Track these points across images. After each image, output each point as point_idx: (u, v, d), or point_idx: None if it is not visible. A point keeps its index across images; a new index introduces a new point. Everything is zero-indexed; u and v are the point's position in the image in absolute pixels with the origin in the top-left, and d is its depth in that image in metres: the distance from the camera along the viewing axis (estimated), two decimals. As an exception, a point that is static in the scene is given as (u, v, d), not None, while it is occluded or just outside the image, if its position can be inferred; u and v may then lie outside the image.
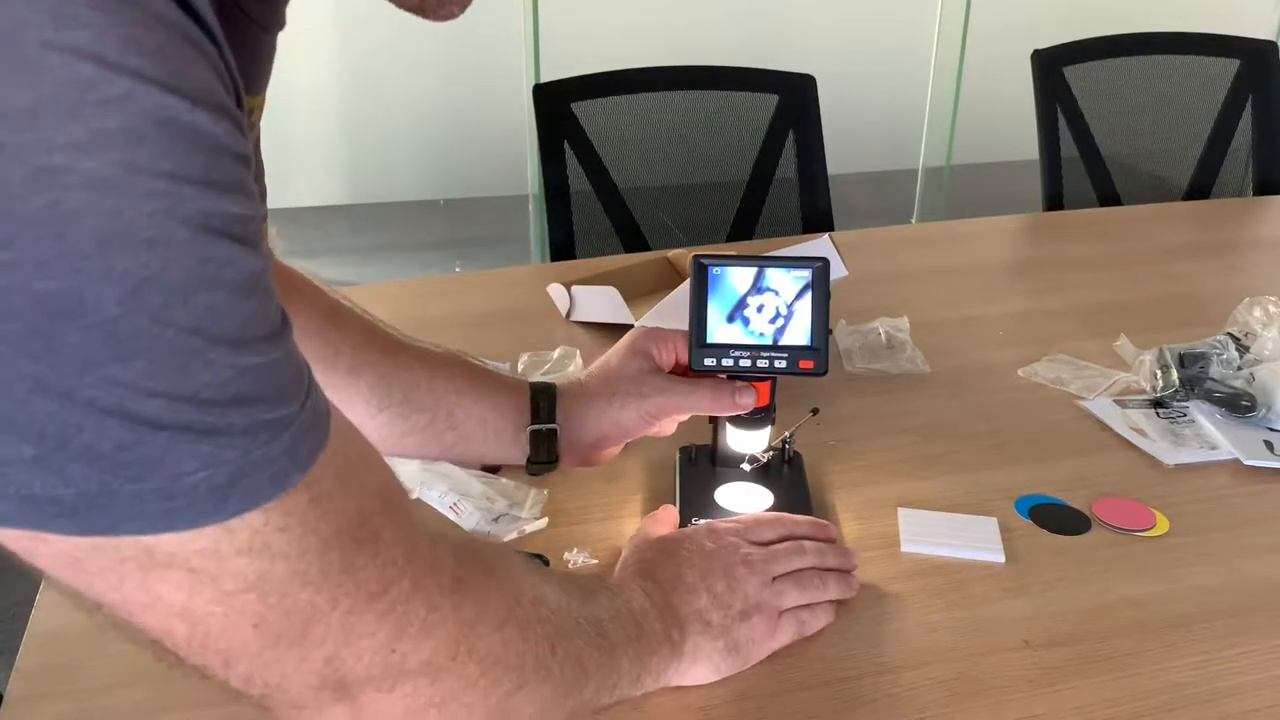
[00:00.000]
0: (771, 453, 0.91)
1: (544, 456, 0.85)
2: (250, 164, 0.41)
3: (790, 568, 0.79)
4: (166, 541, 0.41)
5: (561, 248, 1.61)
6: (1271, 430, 1.05)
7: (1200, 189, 1.92)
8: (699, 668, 0.73)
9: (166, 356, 0.38)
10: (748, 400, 0.86)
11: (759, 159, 1.69)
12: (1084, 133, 1.84)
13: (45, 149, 0.35)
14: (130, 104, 0.35)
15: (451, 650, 0.53)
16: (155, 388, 0.38)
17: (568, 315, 1.27)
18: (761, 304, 0.84)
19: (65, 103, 0.35)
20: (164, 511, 0.40)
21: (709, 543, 0.78)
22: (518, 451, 0.85)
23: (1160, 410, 1.09)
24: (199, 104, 0.37)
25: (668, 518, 0.86)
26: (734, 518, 0.84)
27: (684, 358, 0.87)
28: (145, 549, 0.41)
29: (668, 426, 0.88)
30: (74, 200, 0.35)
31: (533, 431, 0.84)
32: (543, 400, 0.85)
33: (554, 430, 0.85)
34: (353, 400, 0.80)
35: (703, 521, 0.83)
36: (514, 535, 0.89)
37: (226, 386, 0.40)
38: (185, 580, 0.42)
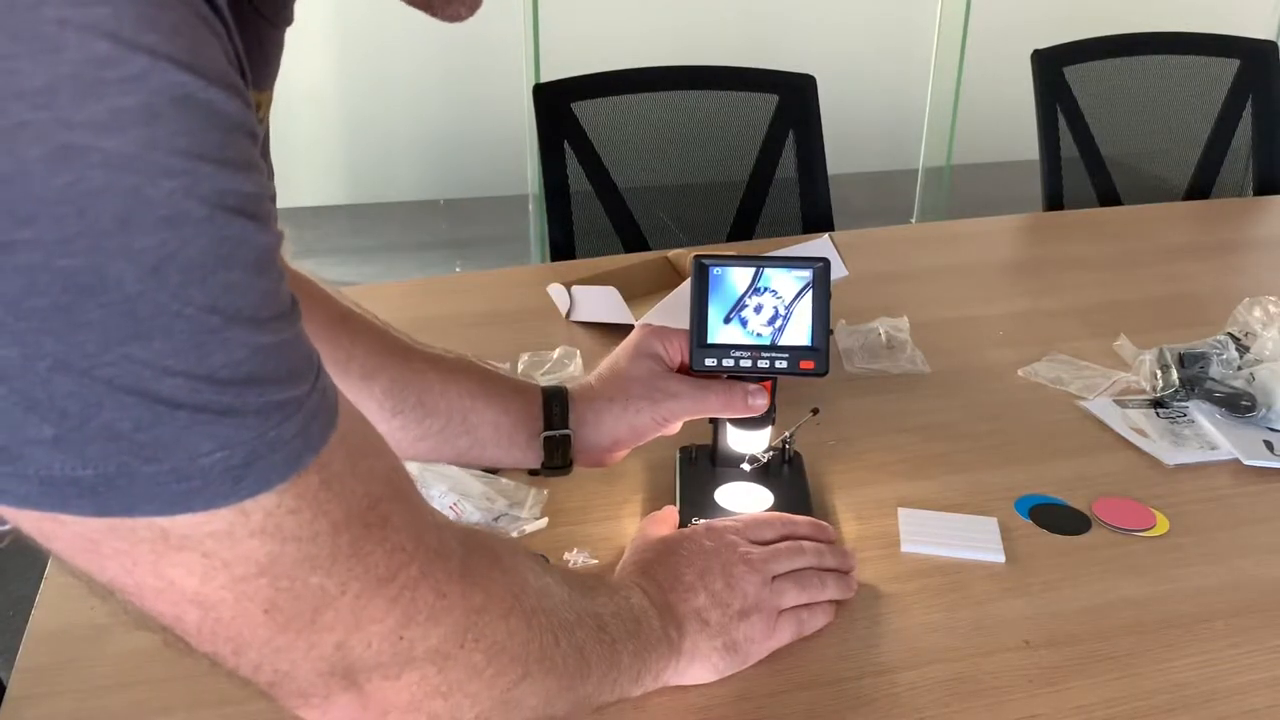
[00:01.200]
0: (771, 453, 0.91)
1: (558, 461, 0.85)
2: (258, 140, 0.41)
3: (789, 567, 0.79)
4: (182, 523, 0.41)
5: (561, 248, 1.61)
6: (1271, 430, 1.05)
7: (1200, 189, 1.92)
8: (697, 667, 0.73)
9: (185, 335, 0.38)
10: (761, 402, 0.86)
11: (759, 159, 1.69)
12: (1084, 133, 1.84)
13: (65, 127, 0.35)
14: (148, 82, 0.36)
15: (459, 638, 0.53)
16: (173, 366, 0.38)
17: (568, 315, 1.27)
18: (760, 304, 0.84)
19: (84, 81, 0.35)
20: (181, 492, 0.40)
21: (708, 542, 0.78)
22: (532, 456, 0.85)
23: (1160, 410, 1.09)
24: (213, 81, 0.38)
25: (668, 518, 0.86)
26: (733, 517, 0.84)
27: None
28: (161, 531, 0.41)
29: (674, 425, 0.88)
30: (94, 178, 0.36)
31: (547, 437, 0.84)
32: (555, 405, 0.85)
33: (567, 436, 0.85)
34: (366, 404, 0.80)
35: (702, 521, 0.83)
36: (514, 535, 0.89)
37: (241, 366, 0.40)
38: (198, 564, 0.43)
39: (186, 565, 0.43)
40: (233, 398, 0.40)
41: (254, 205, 0.40)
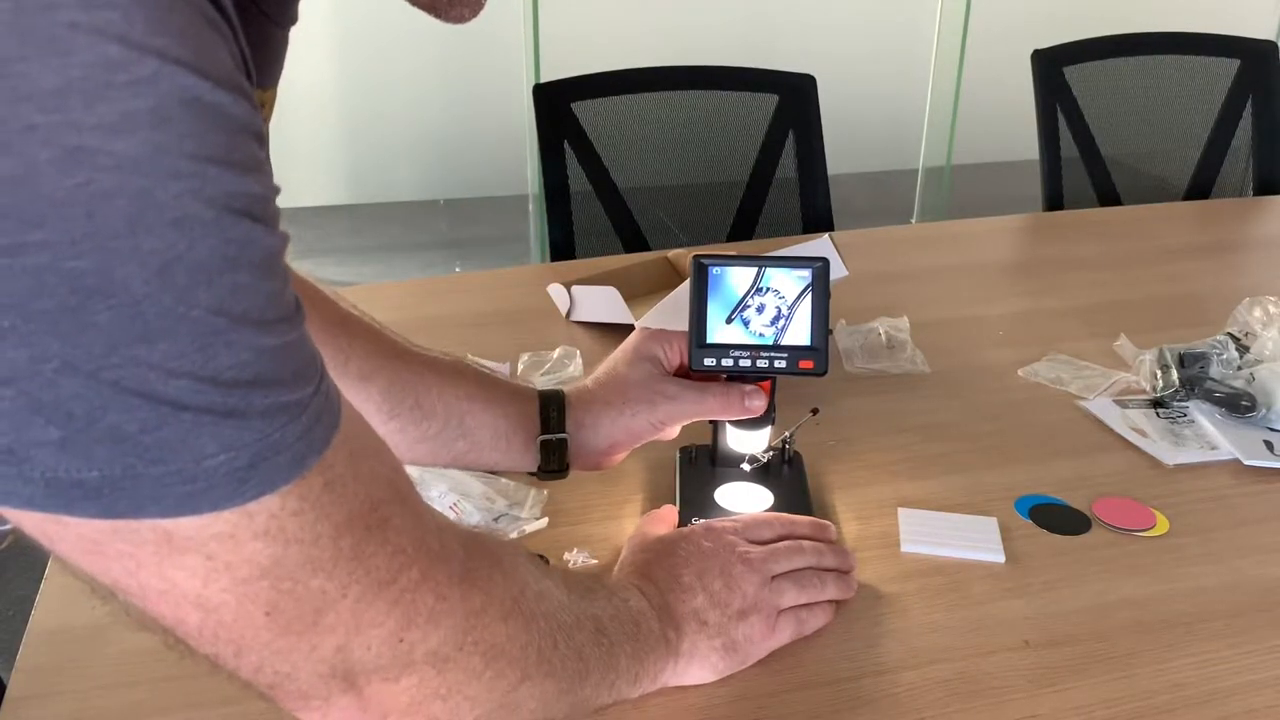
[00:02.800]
0: (771, 453, 0.91)
1: (555, 465, 0.85)
2: (265, 142, 0.41)
3: (788, 567, 0.78)
4: (186, 525, 0.41)
5: (561, 248, 1.61)
6: (1271, 430, 1.05)
7: (1200, 189, 1.92)
8: (696, 667, 0.73)
9: (191, 336, 0.38)
10: (758, 404, 0.86)
11: (759, 159, 1.69)
12: (1084, 133, 1.84)
13: (75, 130, 0.35)
14: (157, 85, 0.36)
15: (458, 641, 0.53)
16: (179, 368, 0.38)
17: (568, 315, 1.27)
18: (762, 304, 0.84)
19: (94, 84, 0.35)
20: (185, 494, 0.40)
21: (706, 542, 0.78)
22: (528, 459, 0.85)
23: (1160, 410, 1.09)
24: (221, 84, 0.38)
25: (666, 517, 0.86)
26: (732, 517, 0.84)
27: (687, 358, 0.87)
28: (165, 533, 0.41)
29: (673, 430, 0.88)
30: (104, 181, 0.36)
31: (543, 441, 0.84)
32: (553, 409, 0.85)
33: (564, 439, 0.85)
34: (364, 407, 0.80)
35: (700, 521, 0.83)
36: (514, 535, 0.89)
37: (247, 367, 0.40)
38: (201, 566, 0.43)
39: (189, 567, 0.43)
40: (238, 400, 0.40)
41: (260, 207, 0.40)
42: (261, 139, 0.41)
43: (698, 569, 0.75)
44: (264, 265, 0.40)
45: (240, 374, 0.40)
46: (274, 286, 0.41)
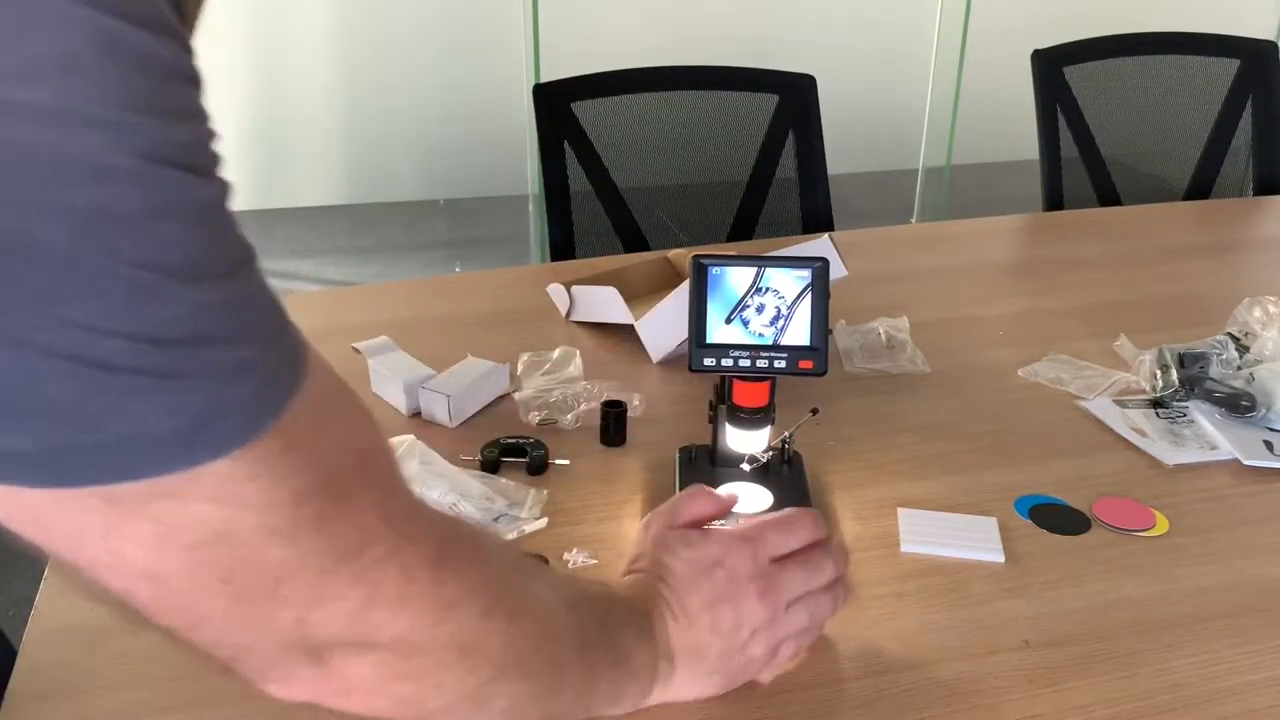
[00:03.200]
0: (771, 453, 0.91)
1: None
2: (200, 85, 0.38)
3: (804, 589, 0.73)
4: (128, 490, 0.39)
5: (561, 248, 1.61)
6: (1271, 430, 1.05)
7: (1200, 189, 1.92)
8: (687, 692, 0.70)
9: (119, 293, 0.36)
10: None
11: (759, 159, 1.69)
12: (1084, 133, 1.84)
13: None
14: (70, 30, 0.34)
15: (428, 627, 0.51)
16: (111, 327, 0.36)
17: (568, 315, 1.27)
18: (762, 304, 0.84)
19: (1, 31, 0.33)
20: (126, 461, 0.39)
21: (721, 570, 0.71)
22: None
23: (1160, 410, 1.09)
24: (142, 25, 0.35)
25: (708, 505, 0.76)
26: (760, 520, 0.76)
27: None
28: (107, 498, 0.39)
29: None
30: (16, 134, 0.34)
31: None
32: None
33: None
34: None
35: (724, 528, 0.76)
36: (514, 535, 0.89)
37: (182, 324, 0.38)
38: (149, 533, 0.41)
39: (137, 537, 0.41)
40: (177, 359, 0.38)
41: (190, 155, 0.38)
42: (194, 81, 0.38)
43: (708, 597, 0.69)
44: (197, 216, 0.38)
45: (175, 331, 0.38)
46: (209, 238, 0.39)
